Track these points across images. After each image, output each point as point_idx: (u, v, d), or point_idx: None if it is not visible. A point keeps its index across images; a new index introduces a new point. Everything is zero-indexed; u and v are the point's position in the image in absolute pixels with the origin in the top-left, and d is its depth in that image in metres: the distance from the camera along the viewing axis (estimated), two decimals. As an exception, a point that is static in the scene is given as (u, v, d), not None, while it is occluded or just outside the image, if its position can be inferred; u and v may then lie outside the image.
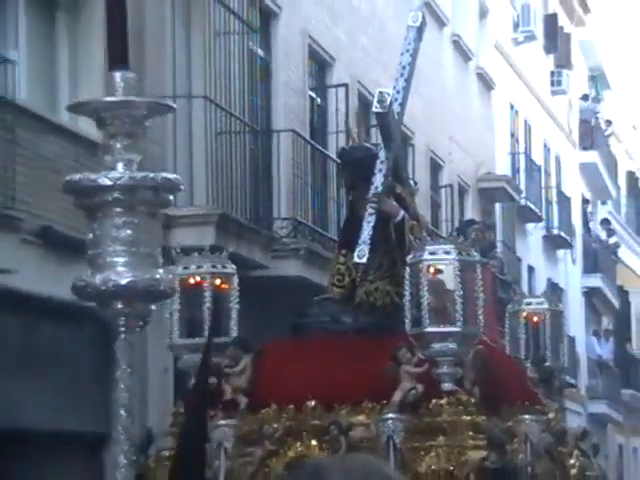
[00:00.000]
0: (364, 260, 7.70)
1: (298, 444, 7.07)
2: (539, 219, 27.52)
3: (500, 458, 6.77)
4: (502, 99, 26.21)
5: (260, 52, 14.97)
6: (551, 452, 7.30)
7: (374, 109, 7.99)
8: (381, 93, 7.94)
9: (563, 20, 31.06)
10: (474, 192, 23.94)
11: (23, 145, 10.32)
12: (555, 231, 29.09)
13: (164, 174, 3.55)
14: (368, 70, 18.47)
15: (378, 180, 7.88)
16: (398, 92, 8.26)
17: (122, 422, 3.52)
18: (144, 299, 3.55)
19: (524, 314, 8.60)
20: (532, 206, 26.59)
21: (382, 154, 8.04)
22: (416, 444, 6.94)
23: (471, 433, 6.98)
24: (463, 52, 23.60)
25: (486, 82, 25.11)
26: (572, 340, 30.08)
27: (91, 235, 3.53)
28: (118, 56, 3.59)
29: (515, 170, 26.58)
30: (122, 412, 3.52)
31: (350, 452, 6.62)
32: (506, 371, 7.87)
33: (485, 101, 25.24)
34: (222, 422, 7.09)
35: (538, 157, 28.79)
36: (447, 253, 7.20)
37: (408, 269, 7.27)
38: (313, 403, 7.22)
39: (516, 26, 27.39)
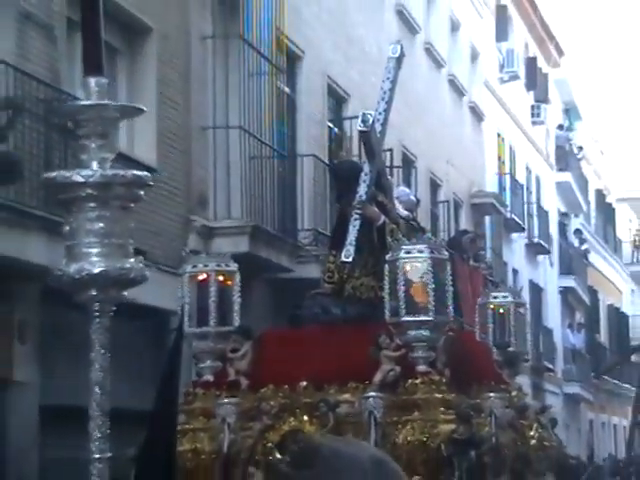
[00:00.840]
0: (350, 259, 7.63)
1: (292, 419, 6.98)
2: (522, 229, 27.50)
3: (467, 430, 6.71)
4: (491, 129, 26.21)
5: (286, 89, 14.97)
6: (514, 425, 7.24)
7: (358, 128, 7.90)
8: (364, 114, 7.86)
9: (541, 62, 31.06)
10: (467, 207, 23.92)
11: (88, 168, 10.35)
12: (535, 239, 29.07)
13: (134, 171, 3.37)
14: (376, 103, 18.44)
15: (362, 190, 7.80)
16: (380, 113, 8.17)
17: (96, 399, 3.40)
18: (116, 286, 3.40)
19: (492, 306, 8.42)
20: (516, 218, 26.58)
21: (366, 167, 7.97)
22: (394, 418, 6.89)
23: (442, 409, 6.92)
24: (458, 89, 23.59)
25: (477, 114, 25.10)
26: (550, 332, 30.02)
27: (67, 228, 3.35)
28: (93, 63, 3.41)
29: (502, 188, 26.58)
30: (97, 390, 3.41)
31: (337, 426, 6.75)
32: (474, 354, 7.80)
33: (476, 130, 25.23)
34: (225, 400, 7.02)
35: (521, 177, 28.78)
36: (421, 252, 7.12)
37: (387, 266, 7.19)
38: (305, 383, 7.17)
39: (502, 67, 27.43)
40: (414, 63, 20.90)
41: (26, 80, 9.27)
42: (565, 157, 33.27)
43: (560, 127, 33.78)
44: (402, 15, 20.03)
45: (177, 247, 11.99)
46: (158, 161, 11.87)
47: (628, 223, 44.94)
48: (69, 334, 9.91)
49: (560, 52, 33.19)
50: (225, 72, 13.37)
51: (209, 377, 7.39)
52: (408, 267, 7.10)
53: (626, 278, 42.93)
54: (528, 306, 29.19)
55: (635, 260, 43.43)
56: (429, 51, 21.71)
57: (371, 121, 7.83)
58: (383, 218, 7.79)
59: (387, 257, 7.25)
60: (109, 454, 3.40)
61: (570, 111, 36.22)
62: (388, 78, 8.34)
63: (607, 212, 41.02)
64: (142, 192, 3.42)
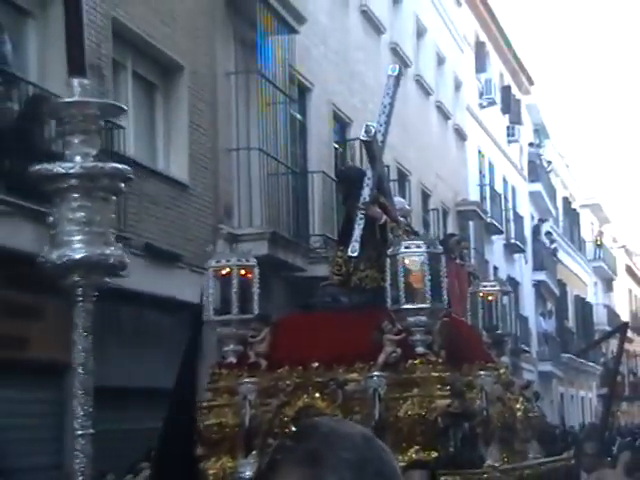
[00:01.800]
0: (356, 254, 7.46)
1: (305, 396, 6.80)
2: (501, 232, 27.41)
3: (461, 405, 6.58)
4: (472, 147, 26.15)
5: (298, 116, 14.98)
6: (502, 399, 7.08)
7: (362, 137, 7.76)
8: (367, 125, 7.72)
9: (515, 90, 30.98)
10: (453, 214, 23.87)
11: (131, 186, 10.30)
12: (512, 241, 28.97)
13: (113, 164, 3.12)
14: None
15: (366, 193, 7.63)
16: (381, 125, 7.96)
17: (79, 379, 3.12)
18: (97, 272, 3.13)
19: (481, 294, 8.26)
20: (495, 223, 26.49)
21: (369, 173, 7.81)
22: (396, 395, 6.71)
23: (438, 386, 6.74)
24: (444, 113, 23.55)
25: (461, 135, 25.05)
26: (526, 319, 29.94)
27: (52, 217, 3.11)
28: (76, 64, 3.16)
29: (483, 197, 26.50)
30: (80, 370, 3.13)
31: (345, 402, 6.62)
32: (466, 337, 7.64)
33: (460, 148, 25.18)
34: (246, 380, 6.85)
35: (499, 188, 28.70)
36: (418, 247, 6.96)
37: (388, 260, 7.01)
38: (316, 364, 6.96)
39: (481, 94, 27.36)
40: (406, 92, 20.90)
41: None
42: (536, 170, 33.18)
43: (531, 145, 33.71)
44: (396, 52, 20.03)
45: (207, 251, 12.06)
46: (190, 179, 11.89)
47: (590, 225, 44.83)
48: (119, 325, 9.96)
49: (530, 81, 33.13)
50: (246, 102, 13.39)
51: (232, 359, 7.22)
52: (407, 260, 6.94)
53: (589, 272, 42.80)
54: (507, 297, 28.93)
55: (597, 257, 43.29)
56: (419, 82, 21.71)
57: (373, 132, 7.67)
58: (384, 217, 7.62)
59: (388, 252, 7.08)
60: (91, 430, 3.12)
61: (540, 131, 36.13)
62: (388, 94, 8.11)
63: (572, 216, 40.91)
64: (123, 184, 3.12)
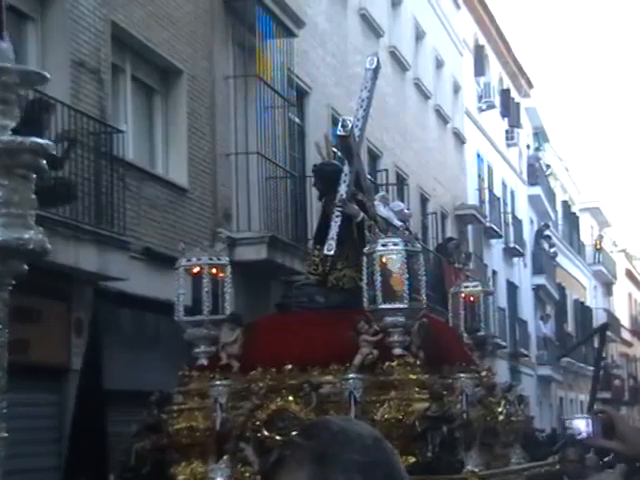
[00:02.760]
0: (332, 252, 7.20)
1: (278, 399, 6.58)
2: (500, 236, 27.41)
3: (440, 408, 6.35)
4: (471, 150, 26.20)
5: (296, 120, 15.03)
6: (483, 402, 6.82)
7: (338, 132, 7.43)
8: (344, 120, 7.43)
9: (514, 93, 31.05)
10: (452, 217, 23.92)
11: (131, 189, 10.38)
12: (511, 244, 29.01)
13: (34, 139, 2.79)
14: (374, 131, 18.51)
15: (343, 189, 7.37)
16: (358, 120, 7.69)
17: None
18: (15, 258, 2.80)
19: (463, 295, 7.92)
20: (494, 227, 26.49)
21: (346, 168, 7.53)
22: (373, 398, 6.50)
23: (417, 388, 6.53)
24: (442, 117, 23.62)
25: (459, 138, 25.12)
26: (525, 323, 29.99)
27: None
28: None
29: (481, 201, 26.51)
30: None
31: (320, 405, 6.40)
32: (446, 338, 7.40)
33: (459, 152, 25.25)
34: (217, 382, 6.62)
35: (498, 191, 28.73)
36: (396, 245, 6.68)
37: (365, 258, 6.77)
38: (290, 366, 6.75)
39: (480, 98, 27.40)
40: (405, 96, 21.00)
41: (78, 117, 9.37)
42: (535, 174, 33.24)
43: (530, 148, 33.79)
44: (394, 55, 20.12)
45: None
46: (189, 182, 11.96)
47: (590, 229, 44.89)
48: (118, 328, 10.03)
49: (530, 84, 33.22)
50: (244, 106, 13.44)
51: (204, 361, 6.98)
52: (385, 259, 6.69)
53: (589, 276, 42.87)
54: (505, 302, 28.98)
55: (596, 261, 43.36)
56: (417, 85, 21.80)
57: (350, 126, 7.35)
58: (362, 215, 7.36)
59: (365, 250, 6.82)
60: (5, 434, 2.80)
61: (539, 134, 36.21)
62: (366, 87, 7.84)
63: (572, 220, 40.96)
64: (45, 161, 2.79)
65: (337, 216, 7.29)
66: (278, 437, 6.37)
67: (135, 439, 7.03)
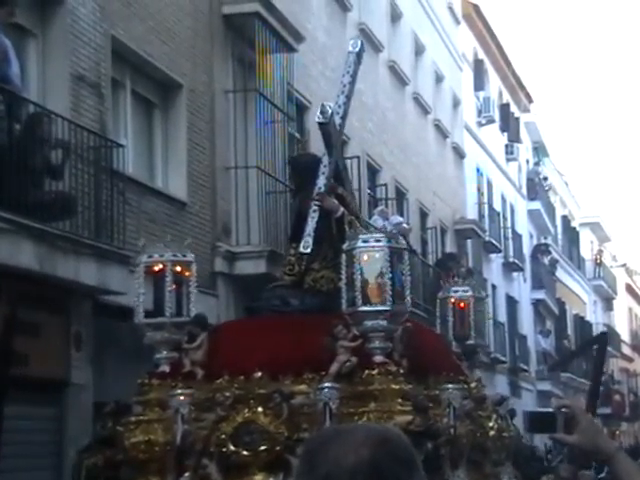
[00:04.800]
0: (308, 250, 6.66)
1: (245, 410, 5.93)
2: (499, 251, 27.49)
3: (424, 422, 5.77)
4: (471, 165, 26.29)
5: (296, 134, 15.10)
6: (472, 416, 6.28)
7: (317, 119, 6.81)
8: (323, 105, 6.79)
9: (513, 108, 31.18)
10: (452, 232, 23.98)
11: (131, 203, 10.42)
12: (511, 259, 29.08)
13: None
14: (373, 146, 18.63)
15: (321, 182, 6.80)
16: (340, 106, 7.09)
17: None
18: None
19: (452, 300, 7.31)
20: (494, 241, 26.57)
21: (325, 159, 6.94)
22: (351, 409, 5.89)
23: (399, 400, 5.90)
24: (442, 132, 23.71)
25: (459, 153, 25.22)
26: (524, 338, 30.01)
27: None
28: None
29: (481, 215, 26.60)
30: None
31: (292, 417, 5.89)
32: (432, 346, 6.83)
33: (458, 166, 25.34)
34: (178, 391, 6.06)
35: (497, 206, 28.82)
36: (378, 241, 6.03)
37: (344, 256, 6.10)
38: (259, 374, 6.11)
39: (480, 112, 27.52)
40: (405, 111, 21.11)
41: (79, 131, 9.43)
42: (535, 188, 33.34)
43: (530, 163, 33.90)
44: (393, 70, 20.24)
45: (206, 269, 12.14)
46: (188, 196, 12.01)
47: (590, 244, 44.98)
48: (117, 342, 10.07)
49: (529, 99, 33.35)
50: (244, 121, 13.51)
51: (165, 368, 6.38)
52: (365, 256, 6.02)
53: (589, 291, 42.92)
54: (505, 316, 28.83)
55: (596, 275, 43.42)
56: (417, 100, 21.90)
57: (330, 113, 6.79)
58: (342, 210, 6.79)
59: (344, 247, 6.18)
60: None
61: (539, 149, 36.33)
62: (348, 72, 7.26)
63: (572, 235, 41.05)
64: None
65: (314, 211, 6.74)
66: (245, 452, 5.87)
67: (86, 454, 6.51)
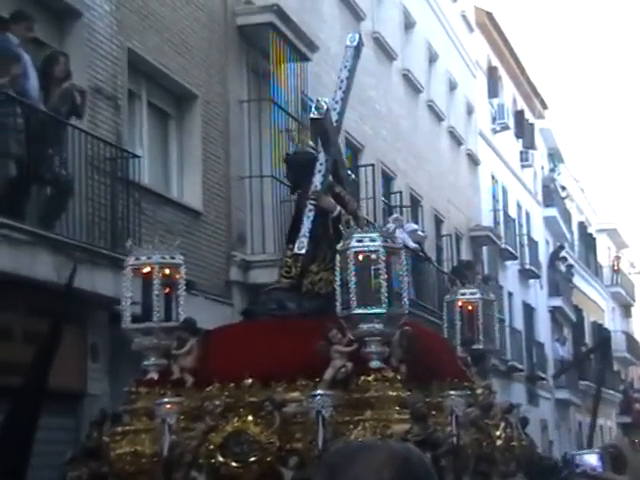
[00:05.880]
0: (303, 251, 6.40)
1: (235, 419, 5.64)
2: (515, 258, 27.47)
3: (423, 431, 5.45)
4: (485, 172, 26.32)
5: (310, 143, 15.15)
6: (478, 424, 5.93)
7: (312, 115, 6.57)
8: (318, 101, 6.55)
9: (528, 114, 31.20)
10: (467, 239, 24.01)
11: (146, 213, 10.50)
12: (527, 266, 29.04)
13: None
14: (387, 154, 18.71)
15: (317, 180, 6.59)
16: (337, 102, 6.85)
17: None
18: None
19: (459, 303, 7.03)
20: (509, 248, 26.56)
21: (321, 157, 6.75)
22: (346, 418, 5.57)
23: (396, 408, 5.59)
24: (456, 139, 23.77)
25: (473, 160, 25.26)
26: (542, 345, 29.97)
27: None
28: None
29: (496, 222, 26.58)
30: None
31: (284, 426, 5.60)
32: (435, 350, 6.47)
33: (473, 173, 25.38)
34: (165, 400, 5.77)
35: (513, 213, 28.83)
36: (373, 240, 5.73)
37: (338, 256, 5.83)
38: (250, 381, 5.82)
39: (494, 119, 27.55)
40: (418, 118, 21.20)
41: (95, 142, 9.56)
42: (551, 195, 33.32)
43: (545, 169, 33.88)
44: (407, 78, 20.33)
45: (221, 278, 12.25)
46: (204, 206, 12.12)
47: (607, 250, 44.88)
48: (133, 352, 10.16)
49: (544, 105, 33.37)
50: (259, 130, 13.58)
51: (154, 375, 6.10)
52: (360, 256, 5.73)
53: (607, 298, 42.81)
54: (522, 324, 28.70)
55: (614, 282, 43.31)
56: (431, 107, 21.99)
57: (325, 108, 6.50)
58: (339, 209, 6.56)
59: (338, 246, 5.90)
60: None
61: (554, 155, 36.32)
62: (346, 67, 7.00)
63: (588, 241, 40.98)
64: None
65: (310, 210, 6.49)
66: (234, 464, 5.59)
67: (70, 467, 6.17)
